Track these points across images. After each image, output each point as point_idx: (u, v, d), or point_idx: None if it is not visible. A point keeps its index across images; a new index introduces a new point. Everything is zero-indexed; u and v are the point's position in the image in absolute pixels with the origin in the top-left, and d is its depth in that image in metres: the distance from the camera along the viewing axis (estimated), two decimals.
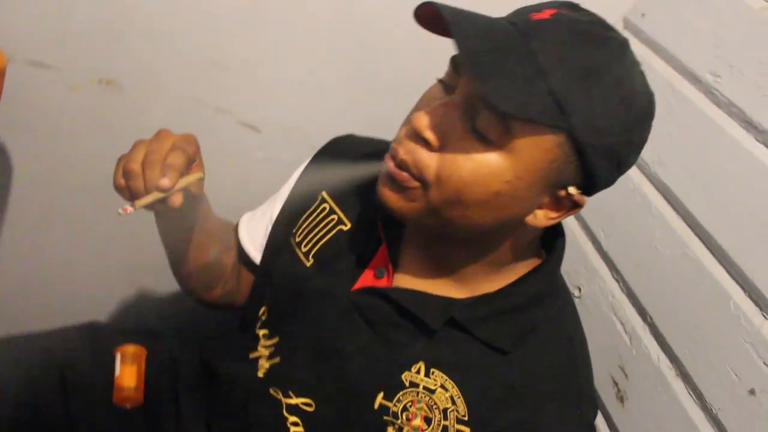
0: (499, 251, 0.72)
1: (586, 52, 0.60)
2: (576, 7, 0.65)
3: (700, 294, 0.87)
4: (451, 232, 0.70)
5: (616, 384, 0.95)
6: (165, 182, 0.67)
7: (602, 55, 0.61)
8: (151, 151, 0.69)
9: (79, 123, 1.04)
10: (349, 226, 0.83)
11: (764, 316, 0.78)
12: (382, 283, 0.77)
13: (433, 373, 0.73)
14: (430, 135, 0.64)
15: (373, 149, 0.88)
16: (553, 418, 0.72)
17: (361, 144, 0.92)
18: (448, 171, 0.64)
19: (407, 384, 0.73)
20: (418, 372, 0.73)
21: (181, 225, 0.82)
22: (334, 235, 0.83)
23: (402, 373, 0.74)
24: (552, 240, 0.76)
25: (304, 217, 0.87)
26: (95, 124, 1.05)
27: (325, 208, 0.85)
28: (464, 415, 0.72)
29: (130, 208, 0.68)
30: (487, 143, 0.62)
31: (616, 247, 1.03)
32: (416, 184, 0.66)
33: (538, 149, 0.61)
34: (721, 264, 0.85)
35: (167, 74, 1.03)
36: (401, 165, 0.67)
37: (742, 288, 0.81)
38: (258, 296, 0.89)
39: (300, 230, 0.86)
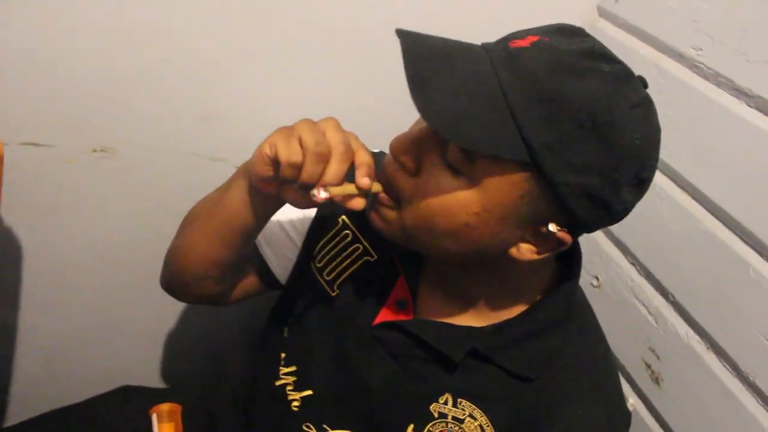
0: (508, 279, 0.72)
1: (560, 85, 0.56)
2: (572, 33, 0.62)
3: (717, 265, 0.87)
4: (436, 258, 0.71)
5: (649, 366, 0.96)
6: (367, 182, 0.64)
7: (580, 89, 0.56)
8: (340, 141, 0.63)
9: (81, 194, 1.05)
10: (375, 258, 0.82)
11: None
12: (404, 315, 0.77)
13: (460, 403, 0.73)
14: (405, 159, 0.64)
15: None
16: None
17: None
18: (420, 197, 0.63)
19: (436, 415, 0.74)
20: (445, 403, 0.73)
21: (267, 213, 0.76)
22: (360, 266, 0.82)
23: (430, 404, 0.74)
24: (569, 258, 0.74)
25: (325, 241, 0.85)
26: (96, 193, 1.06)
27: (347, 236, 0.84)
28: None
29: (325, 195, 0.62)
30: (457, 174, 0.61)
31: (627, 232, 1.03)
32: (390, 203, 0.66)
33: (505, 183, 0.60)
34: (734, 233, 0.85)
35: (159, 134, 1.03)
36: (382, 185, 0.67)
37: (759, 253, 0.82)
38: (281, 317, 0.88)
39: (320, 256, 0.85)
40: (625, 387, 1.00)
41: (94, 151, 1.02)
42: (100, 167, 1.03)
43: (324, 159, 0.62)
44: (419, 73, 0.57)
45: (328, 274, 0.84)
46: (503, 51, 0.60)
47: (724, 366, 0.84)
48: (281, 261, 0.89)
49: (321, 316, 0.84)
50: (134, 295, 1.19)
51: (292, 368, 0.84)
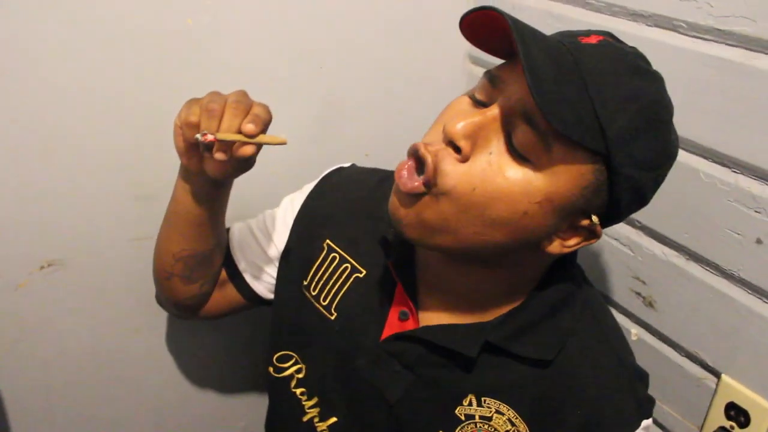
0: (516, 272, 0.73)
1: (632, 81, 0.60)
2: (616, 38, 0.66)
3: (670, 181, 0.90)
4: (461, 253, 0.68)
5: (638, 294, 0.98)
6: (251, 127, 0.66)
7: (647, 87, 0.61)
8: (236, 99, 0.68)
9: (42, 313, 1.02)
10: (364, 273, 0.82)
11: (734, 171, 0.81)
12: (409, 325, 0.78)
13: (484, 401, 0.73)
14: (464, 143, 0.62)
15: (373, 185, 0.88)
16: (614, 409, 0.72)
17: (361, 178, 0.91)
18: (473, 184, 0.62)
19: (463, 418, 0.74)
20: (470, 404, 0.74)
21: (209, 196, 0.80)
22: (351, 284, 0.83)
23: (455, 408, 0.74)
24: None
25: (314, 268, 0.86)
26: (58, 308, 1.03)
27: (335, 258, 0.85)
28: None
29: (211, 137, 0.66)
30: (523, 161, 0.61)
31: None
32: (423, 189, 0.64)
33: (575, 172, 0.61)
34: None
35: (99, 230, 1.01)
36: (419, 162, 0.64)
37: (703, 156, 0.85)
38: (276, 344, 0.88)
39: (314, 283, 0.85)
40: (624, 320, 1.02)
41: (42, 267, 0.99)
42: (53, 281, 1.00)
43: (216, 115, 0.67)
44: (528, 47, 0.57)
45: (324, 300, 0.84)
46: (574, 46, 0.61)
47: (707, 270, 0.87)
48: (254, 270, 0.92)
49: (326, 342, 0.83)
50: (125, 391, 1.16)
51: (315, 400, 0.84)
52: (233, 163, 0.71)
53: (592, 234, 0.66)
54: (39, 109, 0.89)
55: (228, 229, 0.94)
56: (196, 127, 0.68)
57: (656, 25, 0.86)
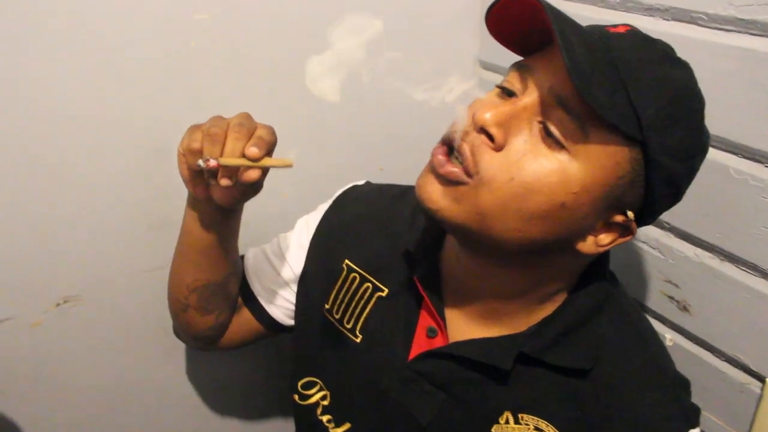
0: (548, 279, 0.70)
1: (663, 68, 0.60)
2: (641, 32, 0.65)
3: (698, 179, 0.86)
4: (495, 249, 0.65)
5: (672, 298, 0.94)
6: (255, 151, 0.63)
7: (679, 74, 0.61)
8: (239, 123, 0.65)
9: (60, 350, 1.00)
10: (386, 291, 0.80)
11: (767, 166, 0.78)
12: (438, 341, 0.75)
13: (522, 418, 0.70)
14: (496, 131, 0.60)
15: (388, 202, 0.86)
16: (661, 421, 0.68)
17: (376, 196, 0.89)
18: (510, 173, 0.60)
19: None
20: (507, 422, 0.70)
21: (218, 223, 0.77)
22: (374, 304, 0.80)
23: (491, 427, 0.71)
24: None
25: (335, 291, 0.83)
26: (76, 345, 1.01)
27: (355, 278, 0.82)
28: None
29: (214, 162, 0.63)
30: (559, 148, 0.59)
31: None
32: (467, 179, 0.61)
33: (611, 160, 0.59)
34: None
35: (113, 264, 0.99)
36: (457, 155, 0.62)
37: (733, 152, 0.81)
38: (300, 370, 0.86)
39: (335, 306, 0.83)
40: (658, 325, 0.98)
41: (58, 304, 0.97)
42: (69, 317, 0.98)
43: (219, 139, 0.64)
44: (564, 30, 0.56)
45: (348, 322, 0.82)
46: (604, 35, 0.61)
47: (743, 270, 0.84)
48: (271, 296, 0.90)
49: (352, 366, 0.81)
50: (147, 423, 1.14)
51: (344, 426, 0.81)
52: (239, 188, 0.69)
53: (627, 231, 0.64)
54: (46, 143, 0.87)
55: (242, 256, 0.92)
56: (199, 153, 0.65)
57: (674, 19, 0.83)
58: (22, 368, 0.98)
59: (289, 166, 0.66)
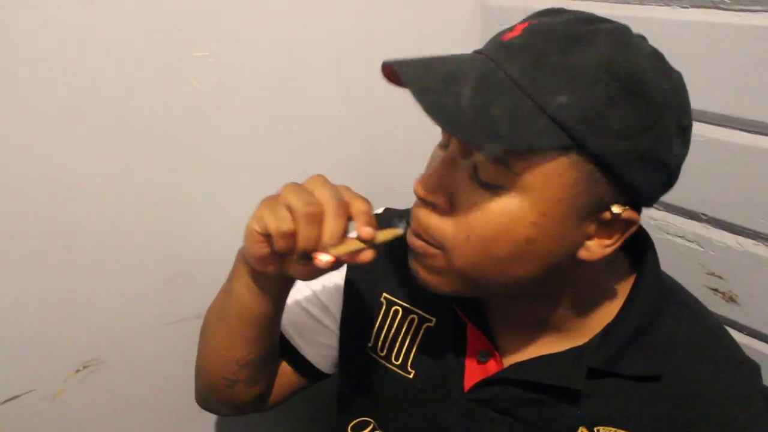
0: (586, 285, 0.66)
1: (571, 55, 0.53)
2: (557, 12, 0.59)
3: (731, 166, 0.85)
4: (503, 292, 0.64)
5: (716, 291, 0.92)
6: (370, 231, 0.58)
7: (591, 53, 0.53)
8: (331, 195, 0.58)
9: (84, 418, 0.94)
10: (434, 321, 0.76)
11: None
12: (491, 366, 0.70)
13: (598, 430, 0.66)
14: (434, 198, 0.59)
15: None
16: (746, 413, 0.65)
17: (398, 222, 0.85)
18: (465, 233, 0.58)
19: None
20: None
21: (279, 297, 0.70)
22: (423, 336, 0.76)
23: None
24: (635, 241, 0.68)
25: (377, 327, 0.79)
26: (99, 410, 0.95)
27: (397, 311, 0.78)
28: None
29: (328, 258, 0.57)
30: (496, 190, 0.56)
31: None
32: (435, 251, 0.60)
33: (551, 178, 0.54)
34: (733, 128, 0.83)
35: (132, 319, 0.94)
36: (417, 234, 0.61)
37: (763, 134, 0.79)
38: (350, 412, 0.81)
39: (380, 343, 0.78)
40: None
41: (78, 371, 0.91)
42: (92, 384, 0.93)
43: (317, 219, 0.57)
44: (426, 87, 0.53)
45: (396, 359, 0.77)
46: (498, 45, 0.57)
47: None
48: (316, 348, 0.84)
49: (407, 403, 0.76)
50: None
51: None
52: None
53: (629, 223, 0.59)
54: (52, 201, 0.83)
55: None
56: (291, 236, 0.57)
57: (693, 6, 0.81)
58: None
59: (399, 236, 0.63)
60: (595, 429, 0.66)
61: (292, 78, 0.95)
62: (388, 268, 0.80)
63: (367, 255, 0.59)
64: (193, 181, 0.92)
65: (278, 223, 0.57)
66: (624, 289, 0.68)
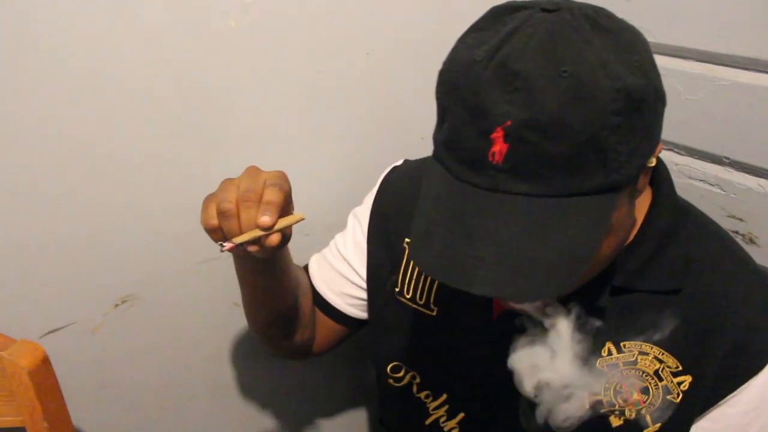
0: None
1: (557, 142, 0.53)
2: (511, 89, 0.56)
3: (756, 109, 0.86)
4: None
5: (737, 233, 0.93)
6: (266, 220, 0.63)
7: (569, 117, 0.53)
8: (246, 189, 0.64)
9: (122, 352, 0.98)
10: None
11: None
12: None
13: (624, 346, 0.70)
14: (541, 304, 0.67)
15: None
16: (760, 312, 0.69)
17: (418, 169, 0.88)
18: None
19: (606, 369, 0.70)
20: (609, 354, 0.70)
21: (265, 269, 0.77)
22: None
23: (595, 363, 0.70)
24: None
25: (402, 271, 0.84)
26: (137, 344, 0.99)
27: None
28: (677, 367, 0.69)
29: (229, 244, 0.64)
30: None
31: None
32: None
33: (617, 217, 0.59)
34: (758, 71, 0.84)
35: (171, 257, 0.98)
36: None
37: None
38: (386, 356, 0.86)
39: (405, 286, 0.83)
40: None
41: (116, 306, 0.95)
42: (130, 319, 0.97)
43: (232, 214, 0.64)
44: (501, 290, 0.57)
45: (420, 299, 0.81)
46: (498, 173, 0.56)
47: None
48: (345, 299, 0.91)
49: (434, 340, 0.81)
50: (213, 420, 1.13)
51: (441, 398, 0.81)
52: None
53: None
54: (96, 137, 0.86)
55: (306, 266, 0.94)
56: (218, 230, 0.66)
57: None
58: (88, 373, 0.97)
59: (302, 219, 0.69)
60: (621, 344, 0.70)
61: (322, 18, 0.96)
62: (406, 215, 0.82)
63: (273, 239, 0.65)
64: (230, 124, 0.94)
65: (207, 219, 0.66)
66: (642, 212, 0.71)
